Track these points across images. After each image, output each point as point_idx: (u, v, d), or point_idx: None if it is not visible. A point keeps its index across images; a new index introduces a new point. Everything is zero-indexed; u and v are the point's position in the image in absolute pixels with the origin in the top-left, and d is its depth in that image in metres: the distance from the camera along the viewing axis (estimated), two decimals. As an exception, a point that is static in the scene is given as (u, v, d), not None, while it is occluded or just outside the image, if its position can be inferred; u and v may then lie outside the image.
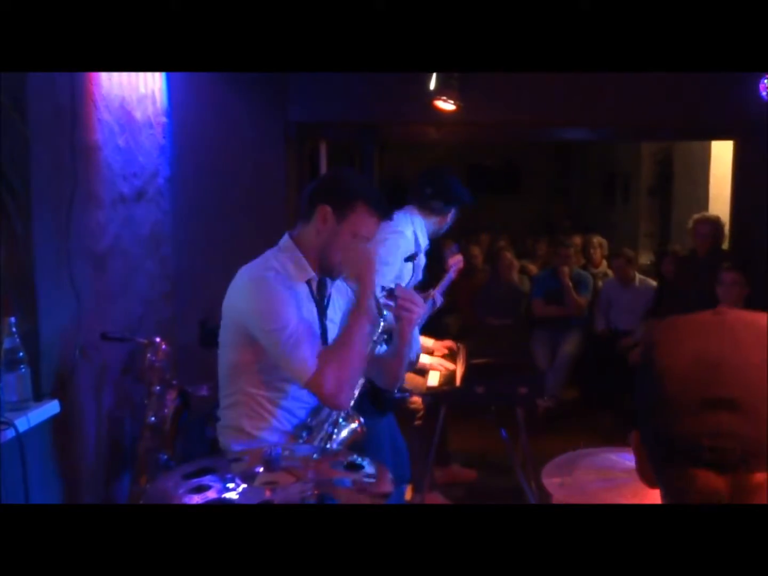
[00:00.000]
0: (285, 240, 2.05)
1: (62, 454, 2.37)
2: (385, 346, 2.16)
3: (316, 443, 1.97)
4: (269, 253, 2.04)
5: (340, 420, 2.03)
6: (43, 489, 2.22)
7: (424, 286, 3.32)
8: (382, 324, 2.09)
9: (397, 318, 2.05)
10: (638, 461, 0.85)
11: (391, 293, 2.04)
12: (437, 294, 3.41)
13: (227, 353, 2.02)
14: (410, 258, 2.96)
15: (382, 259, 2.72)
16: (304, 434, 2.00)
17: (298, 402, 2.02)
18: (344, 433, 2.04)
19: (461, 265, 3.61)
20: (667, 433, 0.77)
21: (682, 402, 0.76)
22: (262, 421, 2.00)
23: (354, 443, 2.08)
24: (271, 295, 1.92)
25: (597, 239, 6.34)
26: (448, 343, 3.85)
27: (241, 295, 1.96)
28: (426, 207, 3.13)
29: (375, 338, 2.09)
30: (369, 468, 1.63)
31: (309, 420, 2.02)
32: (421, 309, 2.09)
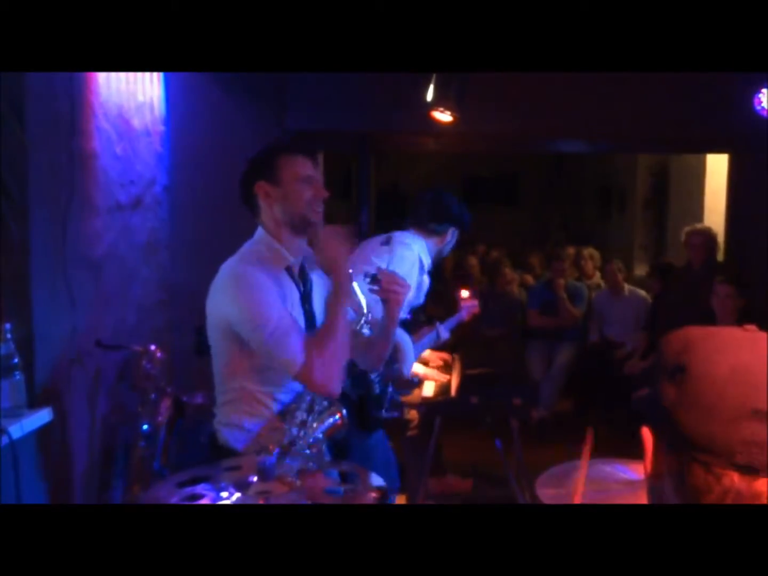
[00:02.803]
0: (258, 230, 2.07)
1: (55, 462, 2.36)
2: (368, 332, 2.18)
3: (292, 429, 1.96)
4: (246, 246, 2.05)
5: (316, 407, 2.02)
6: (35, 496, 2.21)
7: (422, 310, 3.35)
8: (366, 311, 2.13)
9: (384, 301, 2.09)
10: (649, 455, 0.90)
11: (375, 278, 2.08)
12: (443, 329, 3.42)
13: (219, 352, 2.02)
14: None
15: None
16: (280, 426, 1.99)
17: (291, 394, 2.03)
18: (323, 421, 2.03)
19: (476, 310, 3.62)
20: (701, 435, 0.83)
21: (718, 409, 0.82)
22: (260, 417, 1.99)
23: (340, 446, 2.09)
24: (251, 290, 1.92)
25: (588, 251, 6.36)
26: (443, 354, 3.86)
27: (221, 294, 1.97)
28: (423, 228, 3.14)
29: (359, 323, 2.13)
30: (360, 478, 1.63)
31: (288, 405, 2.02)
32: (406, 289, 2.13)
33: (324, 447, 2.01)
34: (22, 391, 2.12)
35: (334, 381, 1.91)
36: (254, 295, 1.92)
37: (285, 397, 2.02)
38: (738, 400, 0.82)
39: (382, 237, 3.10)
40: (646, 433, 0.90)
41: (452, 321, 3.52)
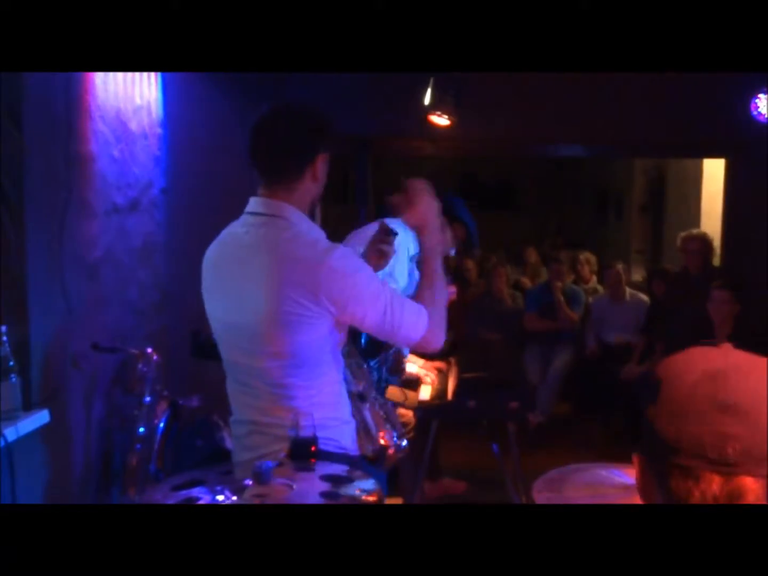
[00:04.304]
0: (274, 204, 1.84)
1: (51, 465, 2.35)
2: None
3: (376, 408, 1.97)
4: (281, 223, 1.80)
5: (372, 376, 2.05)
6: (31, 499, 2.20)
7: None
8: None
9: (379, 252, 2.02)
10: (639, 479, 0.93)
11: (385, 229, 2.05)
12: None
13: (303, 353, 1.78)
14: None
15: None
16: (365, 406, 1.96)
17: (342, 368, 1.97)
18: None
19: (454, 296, 3.64)
20: (676, 437, 0.85)
21: (690, 408, 0.85)
22: (344, 403, 1.90)
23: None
24: (354, 260, 1.79)
25: (584, 255, 6.35)
26: (438, 364, 3.85)
27: (306, 276, 1.72)
28: None
29: None
30: (360, 482, 1.63)
31: (351, 386, 1.97)
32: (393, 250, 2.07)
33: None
34: (18, 394, 2.12)
35: (445, 332, 1.87)
36: (363, 267, 1.79)
37: (342, 373, 1.93)
38: (707, 397, 0.85)
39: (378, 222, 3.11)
40: (636, 460, 0.92)
41: None
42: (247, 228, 1.88)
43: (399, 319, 1.77)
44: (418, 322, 1.80)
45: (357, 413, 1.95)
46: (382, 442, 1.91)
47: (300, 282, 1.72)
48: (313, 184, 1.86)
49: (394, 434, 1.92)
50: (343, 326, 1.83)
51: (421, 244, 1.96)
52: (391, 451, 1.92)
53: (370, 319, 1.76)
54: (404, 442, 1.95)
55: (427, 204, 1.94)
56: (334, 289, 1.72)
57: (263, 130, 1.87)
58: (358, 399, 1.96)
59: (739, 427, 0.83)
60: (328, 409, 1.83)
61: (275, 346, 1.77)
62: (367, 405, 1.95)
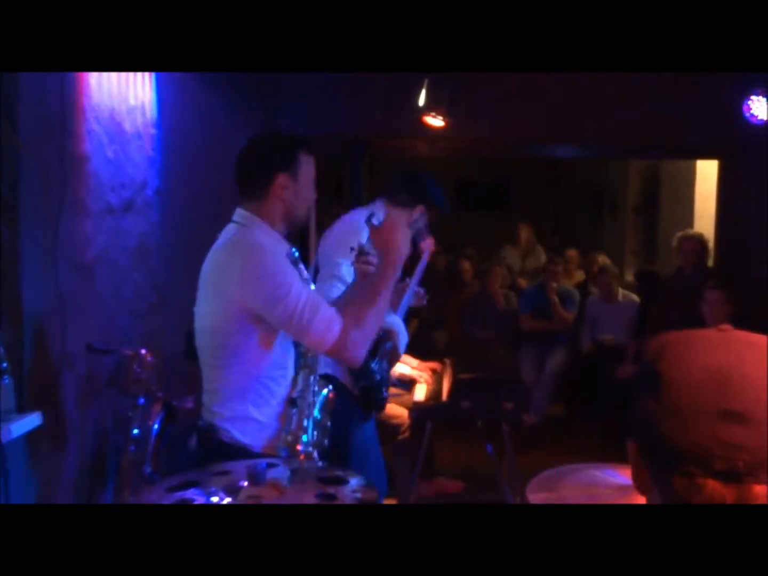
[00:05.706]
0: (247, 215, 2.00)
1: (45, 466, 2.34)
2: None
3: (304, 414, 1.98)
4: (242, 230, 1.97)
5: (316, 388, 2.04)
6: (25, 501, 2.20)
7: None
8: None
9: (362, 272, 2.08)
10: (634, 469, 0.89)
11: (362, 250, 2.11)
12: (413, 284, 3.32)
13: (221, 338, 1.95)
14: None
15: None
16: (293, 411, 2.00)
17: (288, 378, 2.01)
18: (320, 399, 2.06)
19: (433, 247, 3.54)
20: (678, 442, 0.80)
21: (694, 413, 0.80)
22: (268, 405, 1.96)
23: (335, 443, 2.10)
24: (274, 262, 1.88)
25: (601, 257, 6.41)
26: (433, 364, 3.85)
27: (232, 270, 1.89)
28: (393, 198, 3.05)
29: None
30: (354, 482, 1.63)
31: (292, 393, 2.01)
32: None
33: (323, 438, 2.02)
34: (11, 395, 2.11)
35: (365, 350, 1.91)
36: (279, 266, 1.88)
37: (283, 379, 1.99)
38: (711, 402, 0.79)
39: (355, 217, 3.02)
40: (632, 448, 0.88)
41: (419, 271, 3.41)
42: (223, 234, 2.07)
43: (308, 323, 1.84)
44: (328, 331, 1.85)
45: (285, 417, 2.00)
46: (294, 446, 1.95)
47: (221, 280, 1.92)
48: (278, 199, 1.99)
49: (305, 440, 1.95)
50: (266, 325, 1.91)
51: (379, 263, 2.00)
52: (302, 456, 1.95)
53: (277, 317, 1.87)
54: (313, 452, 1.96)
55: (398, 230, 2.02)
56: (245, 288, 1.87)
57: (237, 158, 2.08)
58: (289, 404, 2.01)
59: (748, 435, 0.77)
60: (235, 402, 1.95)
61: (203, 326, 2.01)
62: (295, 411, 1.98)
